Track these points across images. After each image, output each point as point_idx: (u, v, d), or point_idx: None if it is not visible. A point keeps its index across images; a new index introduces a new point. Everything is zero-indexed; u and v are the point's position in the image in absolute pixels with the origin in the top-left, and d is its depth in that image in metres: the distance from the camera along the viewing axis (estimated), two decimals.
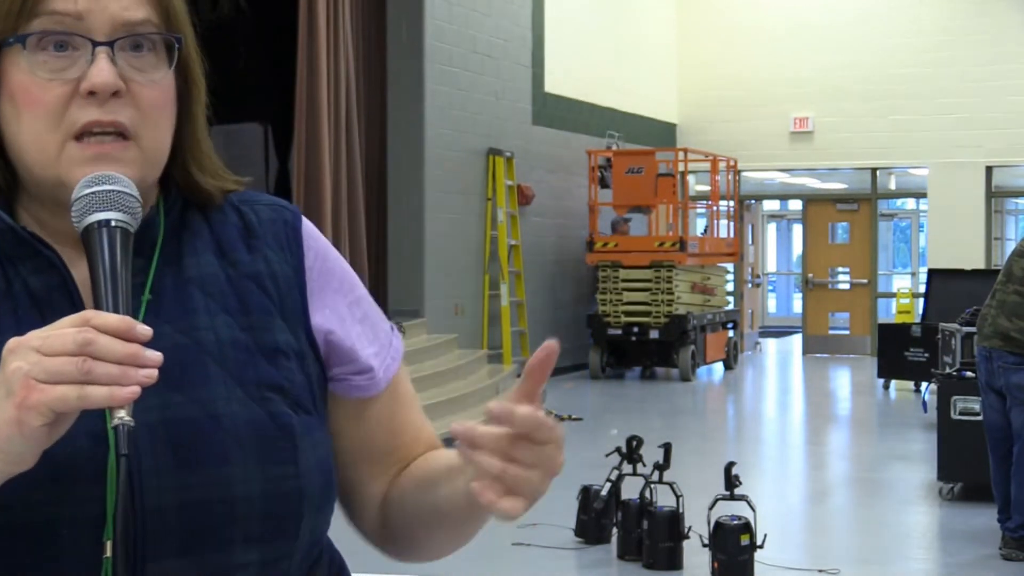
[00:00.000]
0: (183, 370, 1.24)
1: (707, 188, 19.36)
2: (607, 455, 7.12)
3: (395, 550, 1.44)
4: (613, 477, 6.95)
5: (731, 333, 17.68)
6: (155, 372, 1.09)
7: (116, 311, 1.13)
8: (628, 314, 15.77)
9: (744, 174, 20.02)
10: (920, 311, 15.17)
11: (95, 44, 1.23)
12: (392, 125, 13.66)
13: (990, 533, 7.17)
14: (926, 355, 13.00)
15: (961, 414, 7.97)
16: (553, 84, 16.55)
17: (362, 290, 1.43)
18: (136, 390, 1.08)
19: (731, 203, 18.46)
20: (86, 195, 1.19)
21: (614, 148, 17.34)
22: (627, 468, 6.93)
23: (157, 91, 1.26)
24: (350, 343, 1.37)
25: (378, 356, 1.40)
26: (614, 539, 6.83)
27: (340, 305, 1.39)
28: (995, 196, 19.39)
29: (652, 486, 6.65)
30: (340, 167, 11.96)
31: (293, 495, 1.26)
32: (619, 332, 15.80)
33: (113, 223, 1.18)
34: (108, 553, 1.16)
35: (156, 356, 1.10)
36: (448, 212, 14.16)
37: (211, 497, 1.22)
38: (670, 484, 6.55)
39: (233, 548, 1.23)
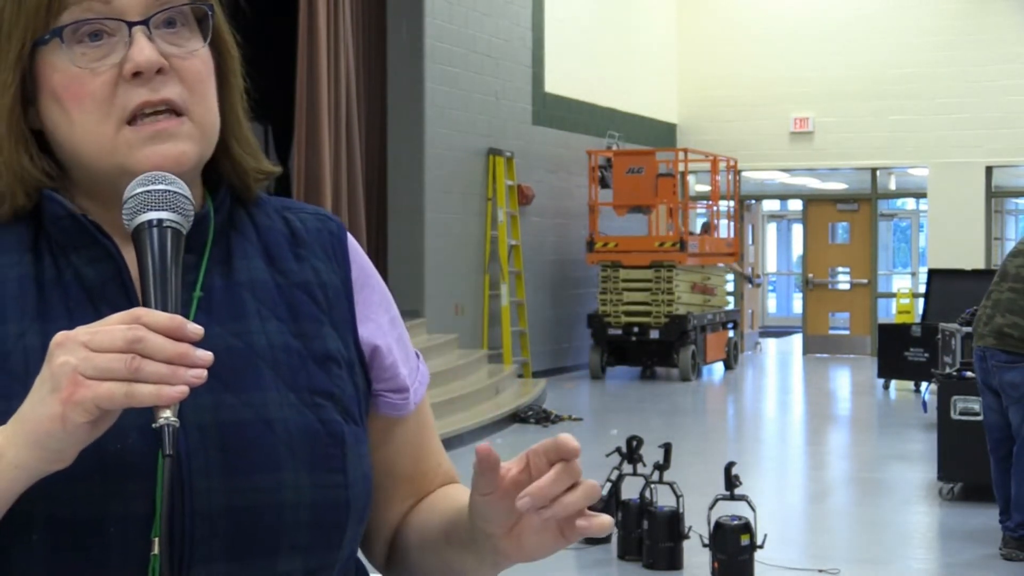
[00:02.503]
0: (236, 373, 1.22)
1: (707, 188, 19.36)
2: (607, 455, 7.12)
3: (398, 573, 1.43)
4: (613, 477, 6.95)
5: (731, 333, 17.68)
6: (204, 372, 1.08)
7: (166, 311, 1.11)
8: (628, 314, 15.77)
9: (744, 174, 20.02)
10: (920, 311, 15.17)
11: (130, 25, 1.21)
12: (392, 125, 13.66)
13: (990, 533, 7.17)
14: (926, 355, 13.00)
15: (961, 414, 7.97)
16: (553, 84, 16.56)
17: (396, 310, 1.42)
18: (184, 390, 1.07)
19: (731, 203, 18.46)
20: (139, 194, 1.17)
21: (614, 148, 17.34)
22: (627, 468, 6.93)
23: (198, 63, 1.25)
24: (391, 359, 1.36)
25: (410, 377, 1.39)
26: (614, 539, 6.83)
27: (383, 320, 1.38)
28: (995, 196, 19.39)
29: (652, 486, 6.65)
30: (340, 167, 11.96)
31: (341, 505, 1.25)
32: (619, 332, 15.79)
33: (165, 223, 1.16)
34: (156, 550, 1.15)
35: (206, 356, 1.08)
36: (448, 212, 14.17)
37: (260, 503, 1.20)
38: (670, 484, 6.55)
39: (279, 555, 1.22)
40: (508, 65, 15.50)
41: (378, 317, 1.37)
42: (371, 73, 13.24)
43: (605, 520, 1.16)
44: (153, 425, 1.08)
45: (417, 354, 1.44)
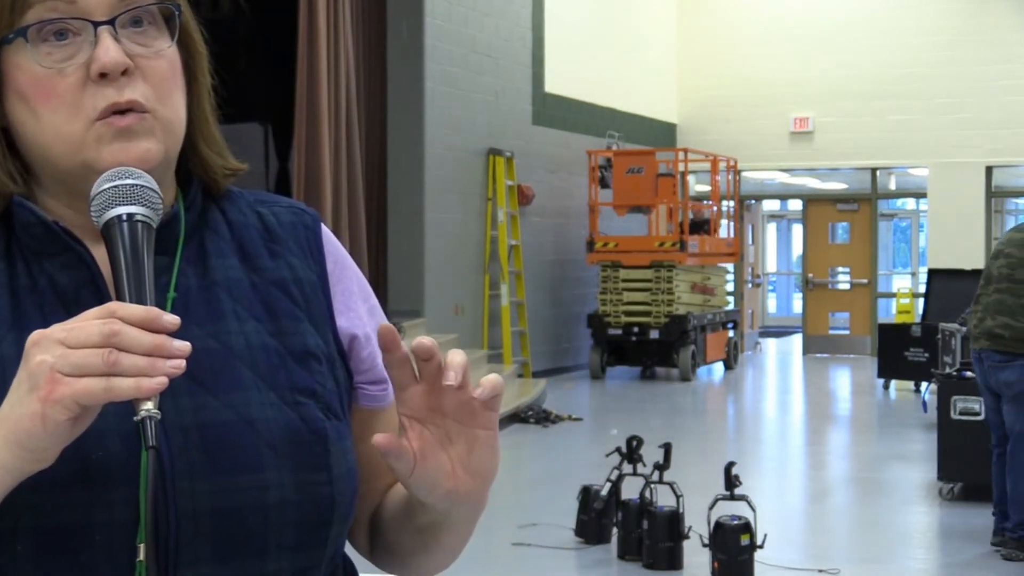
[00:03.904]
0: (215, 374, 1.22)
1: (707, 188, 19.36)
2: (607, 455, 7.12)
3: (387, 565, 1.42)
4: (613, 477, 6.95)
5: (731, 333, 17.68)
6: (183, 363, 1.07)
7: (140, 303, 1.11)
8: (628, 314, 15.77)
9: (744, 174, 20.02)
10: (920, 311, 15.17)
11: (96, 24, 1.21)
12: (392, 125, 13.66)
13: (990, 533, 7.17)
14: (926, 355, 13.00)
15: (961, 414, 7.97)
16: (553, 84, 16.55)
17: (375, 300, 1.42)
18: (164, 381, 1.06)
19: (731, 203, 18.46)
20: (107, 189, 1.17)
21: (614, 148, 17.34)
22: (627, 468, 6.93)
23: (164, 63, 1.25)
24: (369, 349, 1.35)
25: None
26: (614, 539, 6.83)
27: (362, 310, 1.37)
28: (995, 196, 19.39)
29: (652, 486, 6.65)
30: (340, 167, 11.96)
31: (326, 502, 1.24)
32: (619, 332, 15.79)
33: (136, 217, 1.16)
34: (142, 556, 1.14)
35: (184, 346, 1.08)
36: (448, 212, 14.17)
37: (244, 503, 1.20)
38: (670, 484, 6.55)
39: (266, 556, 1.21)
40: (508, 65, 15.50)
41: (356, 307, 1.36)
42: (371, 73, 13.24)
43: (492, 377, 1.19)
44: (135, 418, 1.08)
45: None
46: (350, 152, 12.21)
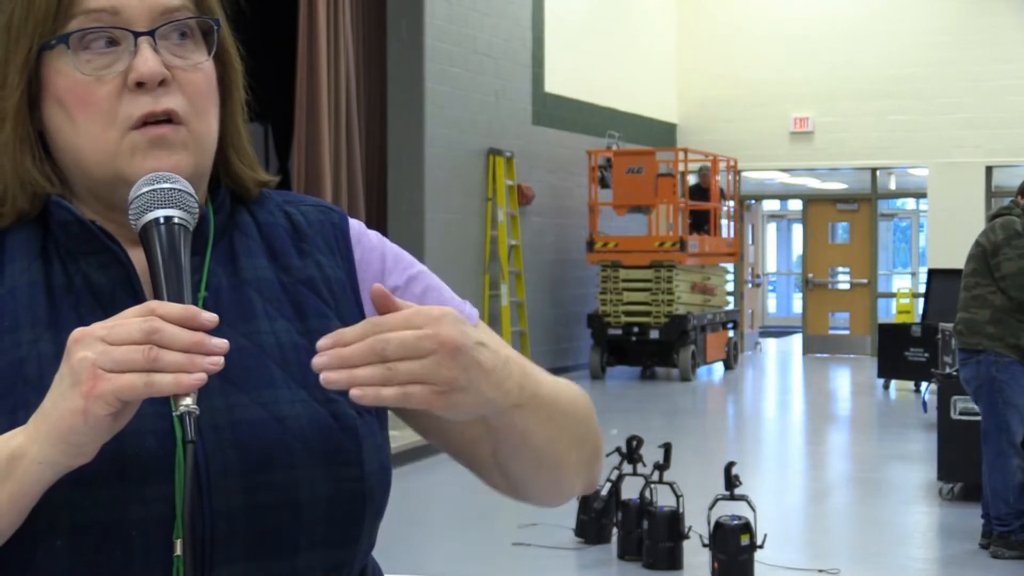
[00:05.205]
0: (246, 373, 1.24)
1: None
2: (607, 455, 7.10)
3: (527, 497, 1.38)
4: (613, 477, 6.95)
5: (731, 333, 17.68)
6: (221, 359, 1.09)
7: (179, 302, 1.13)
8: (628, 314, 15.76)
9: (744, 174, 20.02)
10: (920, 311, 15.17)
11: (136, 35, 1.23)
12: (392, 125, 13.66)
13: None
14: (926, 355, 13.00)
15: (961, 414, 7.97)
16: (553, 84, 16.55)
17: (420, 267, 1.42)
18: (203, 377, 1.08)
19: (731, 203, 18.46)
20: (145, 193, 1.19)
21: (614, 148, 17.34)
22: (627, 468, 6.93)
23: (201, 76, 1.27)
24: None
25: None
26: (614, 539, 6.83)
27: (400, 284, 1.37)
28: (995, 196, 19.37)
29: (652, 486, 6.65)
30: (340, 167, 11.96)
31: (358, 498, 1.25)
32: (619, 332, 15.79)
33: (174, 220, 1.18)
34: (178, 552, 1.16)
35: (222, 343, 1.10)
36: (448, 212, 14.17)
37: (278, 500, 1.21)
38: (670, 484, 6.55)
39: (298, 552, 1.22)
40: (508, 65, 15.50)
41: (383, 284, 1.35)
42: (371, 73, 13.24)
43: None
44: (174, 413, 1.10)
45: (465, 301, 1.41)
46: (350, 152, 12.22)
